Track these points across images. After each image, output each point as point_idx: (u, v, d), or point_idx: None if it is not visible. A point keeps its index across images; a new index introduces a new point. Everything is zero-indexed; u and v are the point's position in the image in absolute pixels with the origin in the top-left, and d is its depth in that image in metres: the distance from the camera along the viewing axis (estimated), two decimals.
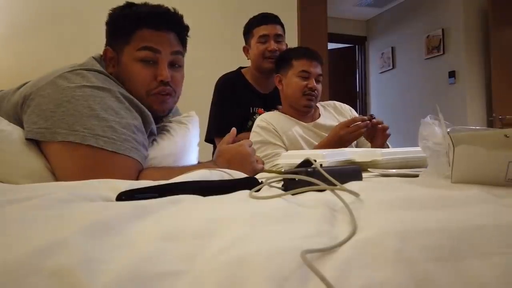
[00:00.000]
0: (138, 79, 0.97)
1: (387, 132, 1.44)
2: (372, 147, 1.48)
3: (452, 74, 4.15)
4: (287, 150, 1.47)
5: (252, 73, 1.85)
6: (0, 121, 0.88)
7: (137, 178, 0.87)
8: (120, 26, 0.99)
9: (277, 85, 1.65)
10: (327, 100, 1.83)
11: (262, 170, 0.98)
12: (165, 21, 0.99)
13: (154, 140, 1.04)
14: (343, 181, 0.57)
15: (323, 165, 0.64)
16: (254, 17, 1.84)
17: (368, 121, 1.41)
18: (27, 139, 0.86)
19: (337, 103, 1.75)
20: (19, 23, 2.49)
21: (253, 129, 1.57)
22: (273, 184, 0.68)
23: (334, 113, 1.70)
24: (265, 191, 0.63)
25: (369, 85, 5.74)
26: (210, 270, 0.30)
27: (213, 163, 0.97)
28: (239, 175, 0.80)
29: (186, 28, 1.06)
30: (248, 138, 1.54)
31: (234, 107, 1.78)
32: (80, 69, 0.91)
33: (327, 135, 1.55)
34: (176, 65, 1.03)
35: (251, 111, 1.81)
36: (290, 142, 1.51)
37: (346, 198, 0.46)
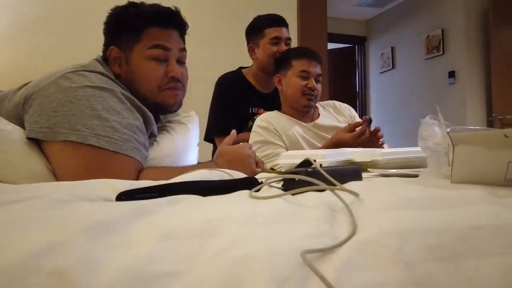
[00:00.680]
0: (151, 76, 0.99)
1: (381, 140, 1.43)
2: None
3: (452, 74, 4.15)
4: (287, 150, 1.47)
5: (255, 73, 1.85)
6: (0, 120, 0.88)
7: (137, 178, 0.87)
8: (128, 25, 0.99)
9: (277, 85, 1.65)
10: (326, 100, 1.83)
11: (259, 173, 0.98)
12: (171, 20, 1.03)
13: (154, 140, 1.05)
14: (343, 181, 0.57)
15: (323, 165, 0.64)
16: (264, 17, 1.84)
17: (367, 124, 1.40)
18: (28, 138, 0.86)
19: (336, 103, 1.76)
20: (19, 23, 2.49)
21: (253, 129, 1.57)
22: (273, 184, 0.68)
23: (333, 113, 1.70)
24: (265, 191, 0.62)
25: (369, 85, 5.74)
26: (210, 270, 0.30)
27: (213, 164, 0.97)
28: (239, 175, 0.80)
29: (186, 26, 1.08)
30: (248, 138, 1.54)
31: (234, 107, 1.78)
32: (82, 70, 0.92)
33: (327, 135, 1.56)
34: (182, 61, 1.06)
35: (251, 111, 1.81)
36: (290, 142, 1.51)
37: (346, 198, 0.46)
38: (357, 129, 1.40)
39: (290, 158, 1.08)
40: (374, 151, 1.09)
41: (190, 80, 1.11)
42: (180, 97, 1.06)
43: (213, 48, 2.74)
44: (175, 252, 0.32)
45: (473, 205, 0.44)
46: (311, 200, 0.51)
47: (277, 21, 1.81)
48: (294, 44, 2.81)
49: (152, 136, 1.01)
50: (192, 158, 1.15)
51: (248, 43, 1.87)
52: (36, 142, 0.87)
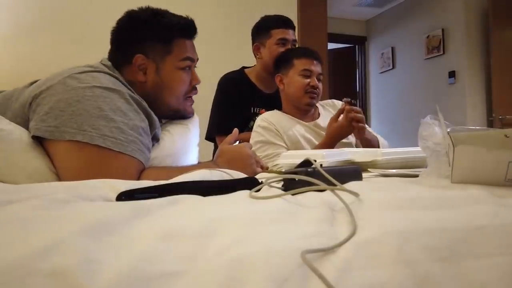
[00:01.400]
0: (181, 85, 1.07)
1: (360, 124, 1.43)
2: (360, 141, 1.51)
3: (452, 74, 4.15)
4: (288, 150, 1.48)
5: (258, 73, 1.85)
6: (0, 120, 0.88)
7: (138, 179, 0.88)
8: (158, 35, 1.02)
9: (278, 85, 1.65)
10: (326, 100, 1.83)
11: (262, 172, 0.98)
12: (194, 31, 1.09)
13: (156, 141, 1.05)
14: (343, 181, 0.57)
15: (323, 165, 0.64)
16: (272, 17, 1.85)
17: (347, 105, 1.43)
18: (33, 136, 0.86)
19: (336, 102, 1.76)
20: (20, 23, 2.49)
21: (254, 129, 1.57)
22: (273, 184, 0.68)
23: (333, 112, 1.69)
24: (265, 191, 0.62)
25: (369, 85, 5.74)
26: (210, 270, 0.30)
27: (213, 163, 0.97)
28: (239, 175, 0.80)
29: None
30: (250, 137, 1.55)
31: (235, 107, 1.78)
32: (90, 70, 0.92)
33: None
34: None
35: (253, 111, 1.81)
36: (291, 142, 1.52)
37: (346, 198, 0.46)
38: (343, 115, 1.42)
39: (290, 158, 1.08)
40: (374, 151, 1.09)
41: None
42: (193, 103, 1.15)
43: (214, 48, 2.73)
44: (175, 252, 0.32)
45: (473, 205, 0.44)
46: (311, 200, 0.51)
47: (285, 22, 1.82)
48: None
49: (154, 139, 1.02)
50: (192, 158, 1.16)
51: (253, 42, 1.86)
52: (39, 142, 0.87)
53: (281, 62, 1.64)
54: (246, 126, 1.77)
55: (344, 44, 5.80)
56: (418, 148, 0.79)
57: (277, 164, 1.12)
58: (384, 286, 0.28)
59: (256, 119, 1.65)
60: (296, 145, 1.51)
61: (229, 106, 1.80)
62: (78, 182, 0.63)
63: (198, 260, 0.31)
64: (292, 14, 2.97)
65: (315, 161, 0.65)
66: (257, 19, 1.88)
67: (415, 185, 0.63)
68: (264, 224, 0.39)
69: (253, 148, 1.03)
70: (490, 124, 3.84)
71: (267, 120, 1.55)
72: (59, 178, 0.86)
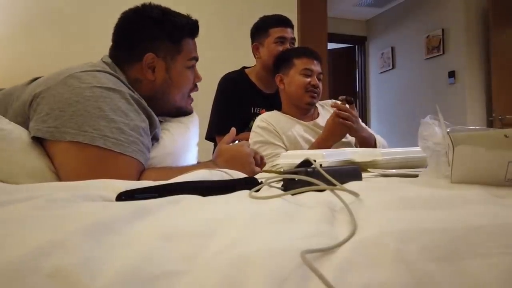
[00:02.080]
0: (187, 83, 1.10)
1: (347, 122, 1.44)
2: (356, 139, 1.52)
3: (452, 74, 4.15)
4: (287, 150, 1.48)
5: (258, 72, 1.85)
6: (0, 119, 0.88)
7: (138, 179, 0.88)
8: (169, 34, 1.03)
9: (278, 85, 1.65)
10: (326, 100, 1.83)
11: (261, 171, 0.99)
12: (198, 31, 1.11)
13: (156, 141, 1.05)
14: (343, 181, 0.57)
15: (323, 165, 0.64)
16: (270, 16, 1.85)
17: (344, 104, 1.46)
18: (33, 137, 0.86)
19: (336, 102, 1.76)
20: (20, 23, 2.49)
21: (253, 129, 1.57)
22: (272, 184, 0.68)
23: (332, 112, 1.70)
24: (265, 191, 0.63)
25: (369, 85, 5.74)
26: (210, 270, 0.30)
27: (212, 163, 0.97)
28: (239, 175, 0.80)
29: None
30: (249, 137, 1.55)
31: (236, 107, 1.78)
32: (91, 70, 0.92)
33: None
34: None
35: (253, 111, 1.81)
36: (290, 142, 1.52)
37: (346, 198, 0.46)
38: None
39: (290, 158, 1.08)
40: (375, 151, 1.09)
41: None
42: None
43: (214, 48, 2.73)
44: (175, 252, 0.32)
45: (473, 205, 0.44)
46: (311, 200, 0.51)
47: (283, 21, 1.82)
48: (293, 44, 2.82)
49: (154, 139, 1.02)
50: (191, 157, 1.16)
51: (252, 42, 1.87)
52: (39, 142, 0.87)
53: (281, 62, 1.64)
54: (246, 126, 1.77)
55: (344, 44, 5.79)
56: (418, 148, 0.79)
57: (276, 164, 1.12)
58: (384, 286, 0.28)
59: (256, 119, 1.65)
60: (295, 146, 1.51)
61: (229, 106, 1.80)
62: (78, 182, 0.63)
63: (198, 260, 0.31)
64: (292, 14, 2.97)
65: (315, 161, 0.65)
66: (257, 19, 1.88)
67: (415, 185, 0.63)
68: (264, 224, 0.39)
69: (251, 148, 1.03)
70: (490, 124, 3.84)
71: (266, 121, 1.55)
72: (59, 178, 0.86)
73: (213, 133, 1.83)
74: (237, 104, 1.78)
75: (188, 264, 0.31)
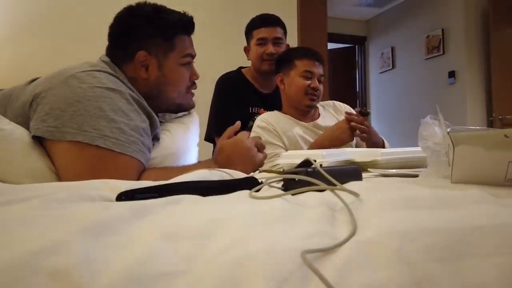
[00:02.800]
0: (182, 81, 1.08)
1: (364, 134, 1.45)
2: (366, 145, 1.51)
3: (452, 74, 4.15)
4: (287, 150, 1.48)
5: (253, 73, 1.85)
6: (1, 119, 0.88)
7: (138, 179, 0.88)
8: (161, 31, 1.02)
9: (279, 85, 1.65)
10: (327, 100, 1.83)
11: (264, 159, 0.99)
12: (193, 27, 1.10)
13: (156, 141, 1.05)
14: (343, 181, 0.57)
15: (323, 165, 0.64)
16: (255, 17, 1.84)
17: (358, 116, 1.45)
18: (33, 136, 0.86)
19: (336, 103, 1.76)
20: (19, 23, 2.49)
21: (253, 129, 1.57)
22: (273, 184, 0.68)
23: (333, 113, 1.70)
24: (265, 191, 0.62)
25: (369, 85, 5.74)
26: (210, 270, 0.30)
27: (213, 161, 0.97)
28: (239, 175, 0.80)
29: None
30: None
31: (234, 107, 1.78)
32: (92, 70, 0.92)
33: None
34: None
35: (251, 111, 1.81)
36: (290, 143, 1.52)
37: (346, 198, 0.46)
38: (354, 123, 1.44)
39: (290, 158, 1.08)
40: (374, 151, 1.09)
41: None
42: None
43: (214, 48, 2.73)
44: (175, 252, 0.32)
45: (473, 205, 0.44)
46: (311, 200, 0.51)
47: (264, 21, 1.79)
48: (294, 44, 2.82)
49: (154, 139, 1.02)
50: (192, 157, 1.16)
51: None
52: (39, 142, 0.87)
53: (283, 62, 1.64)
54: (245, 126, 1.77)
55: (344, 44, 5.79)
56: (418, 148, 0.79)
57: (277, 164, 1.12)
58: (384, 286, 0.28)
59: (255, 119, 1.65)
60: (295, 146, 1.51)
61: (227, 106, 1.80)
62: (78, 182, 0.63)
63: (198, 260, 0.31)
64: (292, 14, 2.97)
65: (315, 161, 0.65)
66: None
67: (415, 185, 0.63)
68: (264, 224, 0.39)
69: (251, 137, 1.02)
70: (490, 124, 3.84)
71: (266, 121, 1.55)
72: (60, 178, 0.86)
73: (212, 133, 1.83)
74: (235, 104, 1.78)
75: (188, 264, 0.31)
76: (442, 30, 4.25)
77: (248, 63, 1.91)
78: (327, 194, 0.53)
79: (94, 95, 0.86)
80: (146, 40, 1.01)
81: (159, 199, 0.49)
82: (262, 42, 1.76)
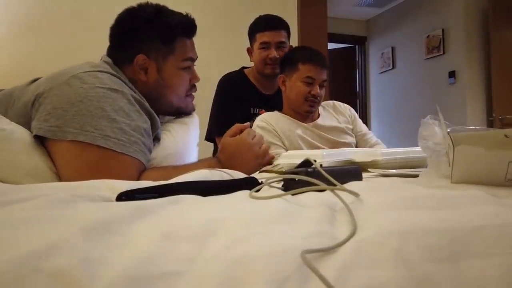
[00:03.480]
0: (182, 85, 1.08)
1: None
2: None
3: (452, 74, 4.15)
4: (286, 150, 1.48)
5: (255, 74, 1.85)
6: (0, 119, 0.88)
7: (138, 179, 0.88)
8: (161, 34, 1.02)
9: (280, 86, 1.64)
10: (327, 100, 1.83)
11: (270, 159, 0.98)
12: (195, 30, 1.09)
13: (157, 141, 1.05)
14: (343, 181, 0.57)
15: (323, 165, 0.64)
16: (259, 19, 1.83)
17: None
18: (35, 136, 0.86)
19: (336, 103, 1.75)
20: (20, 22, 2.49)
21: (252, 129, 1.57)
22: (273, 184, 0.68)
23: (333, 113, 1.70)
24: (265, 191, 0.63)
25: (369, 85, 5.74)
26: (210, 271, 0.30)
27: (215, 159, 0.97)
28: (239, 175, 0.80)
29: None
30: None
31: (235, 107, 1.78)
32: (94, 70, 0.92)
33: (327, 135, 1.57)
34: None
35: (252, 111, 1.81)
36: (289, 143, 1.52)
37: (346, 198, 0.46)
38: None
39: (290, 158, 1.08)
40: (374, 151, 1.09)
41: None
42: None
43: (215, 48, 2.73)
44: (175, 252, 0.32)
45: (473, 205, 0.44)
46: (311, 200, 0.51)
47: (268, 24, 1.77)
48: (293, 44, 2.82)
49: (155, 140, 1.02)
50: (192, 158, 1.16)
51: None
52: (40, 141, 0.87)
53: (287, 63, 1.63)
54: None
55: (344, 44, 5.80)
56: (418, 148, 0.79)
57: (277, 164, 1.12)
58: (384, 286, 0.28)
59: (256, 119, 1.65)
60: (295, 146, 1.51)
61: (228, 106, 1.80)
62: (79, 182, 0.63)
63: (198, 260, 0.31)
64: (292, 14, 2.97)
65: (315, 161, 0.65)
66: None
67: (415, 185, 0.63)
68: (264, 224, 0.39)
69: (258, 134, 1.01)
70: (490, 124, 3.84)
71: (266, 121, 1.55)
72: (60, 178, 0.86)
73: (213, 133, 1.83)
74: (236, 105, 1.78)
75: (188, 264, 0.31)
76: (442, 30, 4.25)
77: (250, 64, 1.91)
78: (327, 194, 0.53)
79: (96, 95, 0.87)
80: (145, 43, 1.01)
81: (159, 199, 0.49)
82: (265, 46, 1.75)
